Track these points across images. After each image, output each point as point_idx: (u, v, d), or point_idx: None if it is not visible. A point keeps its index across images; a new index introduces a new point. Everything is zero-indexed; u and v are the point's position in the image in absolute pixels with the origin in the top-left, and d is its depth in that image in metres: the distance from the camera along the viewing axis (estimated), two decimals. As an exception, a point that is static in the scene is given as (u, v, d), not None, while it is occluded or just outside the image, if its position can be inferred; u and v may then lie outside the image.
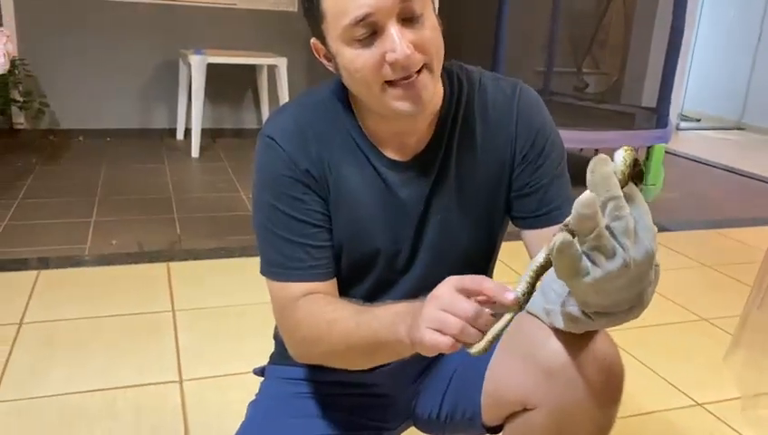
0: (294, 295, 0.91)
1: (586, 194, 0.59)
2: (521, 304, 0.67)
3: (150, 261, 2.52)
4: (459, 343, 0.67)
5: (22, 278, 2.32)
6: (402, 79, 0.82)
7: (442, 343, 0.67)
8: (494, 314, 0.68)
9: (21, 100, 4.25)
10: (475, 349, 0.68)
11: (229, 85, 4.73)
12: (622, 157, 0.62)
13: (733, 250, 3.09)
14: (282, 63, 4.29)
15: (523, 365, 0.83)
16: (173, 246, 2.70)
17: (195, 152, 4.17)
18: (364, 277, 0.98)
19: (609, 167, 0.60)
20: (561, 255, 0.62)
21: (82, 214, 3.01)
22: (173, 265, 2.49)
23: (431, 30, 0.82)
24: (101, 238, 2.73)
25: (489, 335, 0.67)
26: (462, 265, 0.96)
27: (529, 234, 0.97)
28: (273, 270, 0.93)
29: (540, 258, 0.66)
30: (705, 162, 5.01)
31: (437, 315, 0.68)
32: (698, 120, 6.74)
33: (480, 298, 0.68)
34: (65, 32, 4.35)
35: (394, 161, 0.94)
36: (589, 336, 0.79)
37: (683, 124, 6.47)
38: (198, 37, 4.52)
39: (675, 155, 5.04)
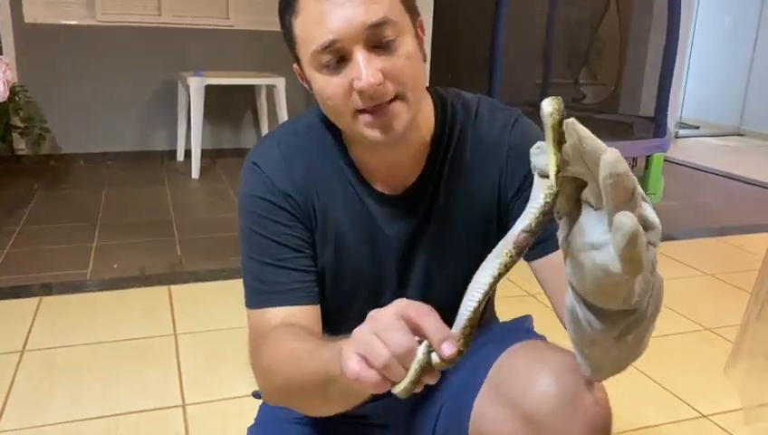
0: (270, 323, 0.86)
1: (610, 152, 0.47)
2: (456, 362, 0.57)
3: (152, 284, 2.52)
4: (386, 381, 0.57)
5: (24, 305, 2.32)
6: (374, 107, 0.79)
7: (365, 378, 0.57)
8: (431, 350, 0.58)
9: (21, 126, 4.27)
10: (396, 389, 0.58)
11: (228, 106, 4.75)
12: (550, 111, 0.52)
13: (735, 257, 3.08)
14: (280, 83, 4.31)
15: (506, 410, 0.79)
16: (174, 269, 2.70)
17: (195, 173, 4.18)
18: (349, 313, 0.92)
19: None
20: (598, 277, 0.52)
21: (84, 238, 3.02)
22: (174, 287, 2.49)
23: (405, 58, 0.79)
24: (103, 263, 2.73)
25: (408, 378, 0.57)
26: (454, 304, 0.94)
27: (537, 264, 0.89)
28: (252, 298, 0.90)
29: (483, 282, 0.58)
30: (704, 169, 5.00)
31: (369, 339, 0.57)
32: (697, 128, 6.74)
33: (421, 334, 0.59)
34: (64, 57, 4.38)
35: (382, 195, 0.91)
36: (579, 384, 0.73)
37: (682, 132, 6.47)
38: (197, 59, 4.55)
39: (674, 163, 5.04)
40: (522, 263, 0.93)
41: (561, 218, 0.55)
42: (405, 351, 0.56)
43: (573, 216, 0.53)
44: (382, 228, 0.91)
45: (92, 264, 2.72)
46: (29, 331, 2.13)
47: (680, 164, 5.10)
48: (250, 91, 4.74)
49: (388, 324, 0.58)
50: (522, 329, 1.04)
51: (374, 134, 0.81)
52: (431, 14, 4.30)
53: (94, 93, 4.51)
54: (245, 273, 0.91)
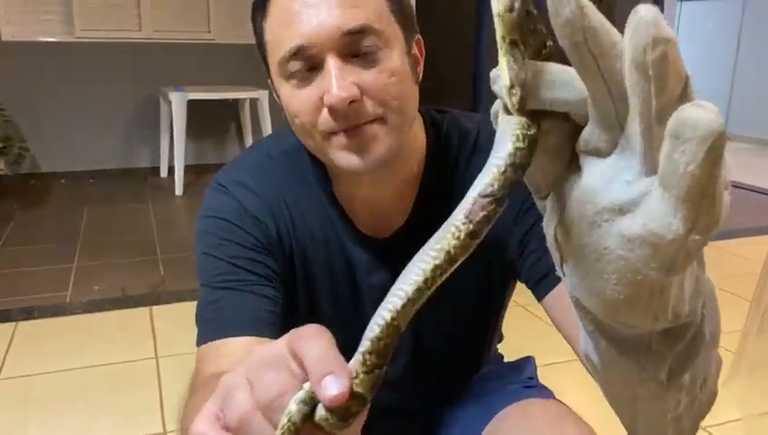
0: (220, 360, 0.70)
1: (646, 8, 0.27)
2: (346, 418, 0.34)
3: (133, 306, 2.45)
4: None
5: (0, 331, 2.23)
6: (348, 128, 0.67)
7: None
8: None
9: (0, 146, 4.19)
10: None
11: (211, 120, 4.69)
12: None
13: (729, 263, 3.05)
14: (263, 96, 4.26)
15: None
16: (157, 289, 2.63)
17: (178, 190, 4.11)
18: None
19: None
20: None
21: (64, 260, 2.94)
22: (156, 308, 2.42)
23: (389, 74, 0.67)
24: (84, 284, 2.66)
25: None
26: (450, 364, 0.86)
27: (548, 303, 0.76)
28: (204, 332, 0.74)
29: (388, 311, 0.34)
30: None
31: (234, 384, 0.36)
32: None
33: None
34: (43, 75, 4.31)
35: (366, 238, 0.79)
36: None
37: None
38: (179, 74, 4.49)
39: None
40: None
41: (544, 197, 0.35)
42: (273, 398, 0.33)
43: (566, 186, 0.33)
44: (365, 277, 0.81)
45: (72, 286, 2.65)
46: (4, 358, 2.05)
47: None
48: (233, 105, 4.68)
49: (264, 361, 0.35)
50: (520, 379, 0.94)
51: (348, 159, 0.68)
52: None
53: (75, 111, 4.43)
54: (198, 309, 0.77)
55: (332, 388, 0.32)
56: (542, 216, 0.37)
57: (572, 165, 0.32)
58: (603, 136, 0.30)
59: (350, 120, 0.66)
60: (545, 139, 0.32)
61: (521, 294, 0.86)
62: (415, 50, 0.74)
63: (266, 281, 0.76)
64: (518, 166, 0.31)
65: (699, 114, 0.25)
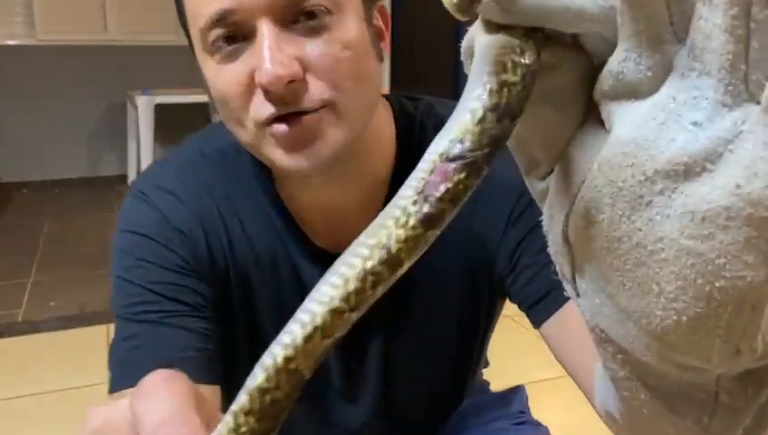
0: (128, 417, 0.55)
1: None
2: None
3: (91, 323, 2.29)
4: None
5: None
6: (288, 115, 0.53)
7: None
8: None
9: (-43, 154, 4.00)
10: None
11: (182, 125, 4.50)
12: None
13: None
14: (236, 100, 4.11)
15: None
16: (117, 305, 2.46)
17: (147, 198, 3.94)
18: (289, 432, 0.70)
19: None
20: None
21: (20, 274, 2.78)
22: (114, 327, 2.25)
23: (341, 46, 0.54)
24: (39, 301, 2.50)
25: None
26: (424, 410, 0.74)
27: (547, 330, 0.62)
28: (115, 376, 0.61)
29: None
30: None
31: None
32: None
33: None
34: (4, 79, 4.13)
35: (323, 254, 0.65)
36: None
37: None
38: (146, 77, 4.32)
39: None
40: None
41: (544, 177, 0.24)
42: None
43: (578, 156, 0.22)
44: None
45: (26, 302, 2.49)
46: (-59, 386, 1.88)
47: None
48: (204, 109, 4.51)
49: (103, 424, 0.25)
50: (508, 413, 0.82)
51: (288, 158, 0.55)
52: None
53: (38, 117, 4.25)
54: (110, 347, 0.63)
55: None
56: (539, 220, 0.25)
57: (588, 124, 0.21)
58: (646, 60, 0.19)
59: (290, 106, 0.53)
60: (545, 81, 0.21)
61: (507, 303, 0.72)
62: (378, 19, 0.60)
63: (194, 311, 0.61)
64: (505, 110, 0.19)
65: None
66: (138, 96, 3.89)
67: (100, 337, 2.18)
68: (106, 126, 4.42)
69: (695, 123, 0.18)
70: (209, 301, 0.63)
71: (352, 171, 0.62)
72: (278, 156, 0.55)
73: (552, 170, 0.23)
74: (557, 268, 0.25)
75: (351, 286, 0.20)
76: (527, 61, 0.20)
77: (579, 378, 0.57)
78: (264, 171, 0.65)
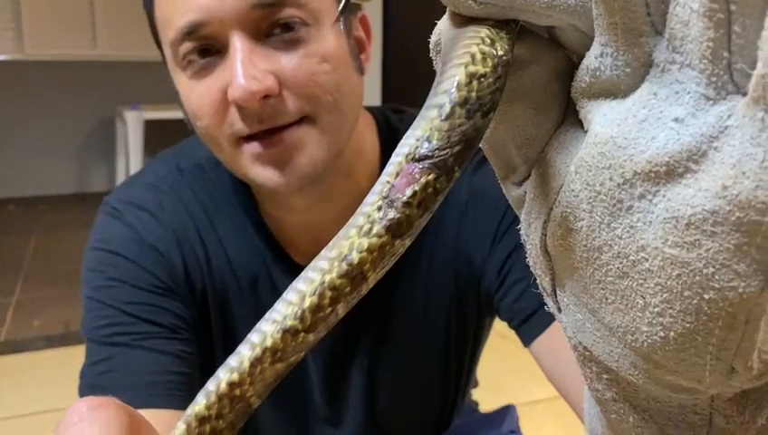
0: None
1: None
2: None
3: (74, 343, 2.22)
4: None
5: None
6: (264, 132, 0.52)
7: None
8: None
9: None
10: None
11: (172, 141, 4.46)
12: None
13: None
14: (226, 115, 4.08)
15: None
16: (102, 324, 2.41)
17: (135, 215, 3.90)
18: None
19: None
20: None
21: (3, 292, 2.72)
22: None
23: (319, 59, 0.51)
24: (23, 320, 2.44)
25: None
26: (415, 419, 0.71)
27: (536, 349, 0.59)
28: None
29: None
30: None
31: None
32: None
33: None
34: (-9, 95, 4.08)
35: (302, 270, 0.60)
36: None
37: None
38: (136, 93, 4.28)
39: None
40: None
41: (520, 183, 0.22)
42: None
43: (555, 158, 0.20)
44: None
45: (9, 322, 2.43)
46: None
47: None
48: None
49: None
50: (502, 432, 0.78)
51: (265, 174, 0.53)
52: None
53: (26, 132, 4.20)
54: (81, 371, 0.61)
55: None
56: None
57: (566, 124, 0.20)
58: (624, 55, 0.17)
59: (266, 122, 0.51)
60: (519, 77, 0.19)
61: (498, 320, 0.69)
62: (359, 30, 0.58)
63: (170, 332, 0.59)
64: (475, 105, 0.17)
65: None
66: (127, 111, 3.86)
67: (82, 358, 2.13)
68: (94, 141, 4.37)
69: (676, 120, 0.16)
70: (186, 322, 0.60)
71: (334, 187, 0.60)
72: (255, 173, 0.53)
73: (529, 175, 0.21)
74: (537, 281, 0.22)
75: (306, 304, 0.18)
76: (499, 52, 0.18)
77: (570, 398, 0.54)
78: (244, 186, 0.63)
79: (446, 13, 0.20)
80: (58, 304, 2.57)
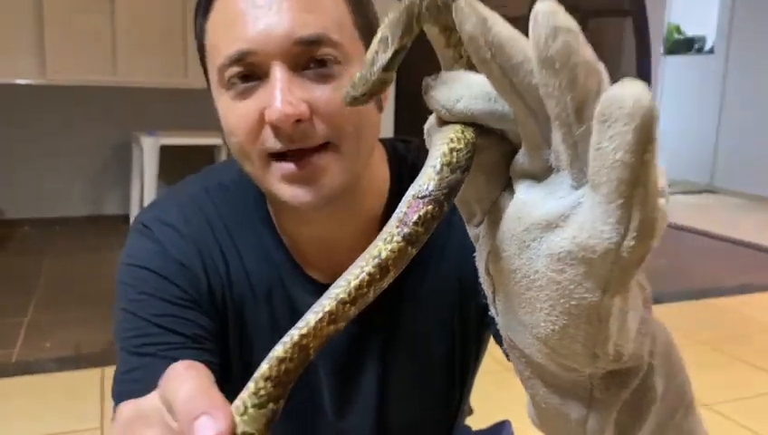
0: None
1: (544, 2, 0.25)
2: None
3: (84, 366, 2.25)
4: None
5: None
6: (292, 152, 0.57)
7: None
8: None
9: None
10: None
11: (186, 167, 4.50)
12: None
13: (721, 322, 2.91)
14: (241, 143, 4.13)
15: None
16: (112, 347, 2.41)
17: (148, 239, 3.93)
18: None
19: None
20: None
21: (16, 312, 2.74)
22: (108, 370, 2.20)
23: None
24: (34, 341, 2.46)
25: None
26: (414, 423, 0.74)
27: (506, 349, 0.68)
28: (117, 404, 0.64)
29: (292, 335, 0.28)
30: (681, 227, 4.90)
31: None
32: (669, 185, 6.71)
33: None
34: (12, 117, 4.16)
35: (317, 285, 0.68)
36: None
37: (653, 189, 6.44)
38: (153, 118, 4.36)
39: (649, 221, 4.95)
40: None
41: (478, 225, 0.32)
42: None
43: (500, 212, 0.30)
44: None
45: (21, 343, 2.45)
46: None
47: (655, 222, 5.00)
48: (209, 151, 4.54)
49: (135, 416, 0.31)
50: None
51: (291, 192, 0.59)
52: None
53: (44, 155, 4.27)
54: (114, 378, 0.66)
55: (207, 430, 0.25)
56: None
57: (509, 190, 0.30)
58: (534, 159, 0.28)
59: (296, 141, 0.57)
60: (480, 157, 0.30)
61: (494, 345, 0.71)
62: None
63: (194, 343, 0.64)
64: (455, 166, 0.29)
65: (625, 90, 0.23)
66: (143, 137, 3.92)
67: (93, 381, 2.14)
68: (110, 165, 4.44)
69: (559, 197, 0.27)
70: (209, 332, 0.66)
71: (350, 208, 0.65)
72: (280, 190, 0.59)
73: (483, 220, 0.32)
74: (486, 293, 0.33)
75: (353, 284, 0.28)
76: (468, 137, 0.29)
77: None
78: (264, 206, 0.69)
79: (434, 115, 0.31)
80: (68, 327, 2.59)
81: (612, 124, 0.23)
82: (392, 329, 0.69)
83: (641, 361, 0.30)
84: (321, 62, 0.57)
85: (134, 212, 4.36)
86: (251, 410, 0.27)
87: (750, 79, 6.18)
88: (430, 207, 0.28)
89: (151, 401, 0.29)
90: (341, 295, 0.27)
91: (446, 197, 0.28)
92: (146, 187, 3.93)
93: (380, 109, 0.65)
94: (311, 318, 0.27)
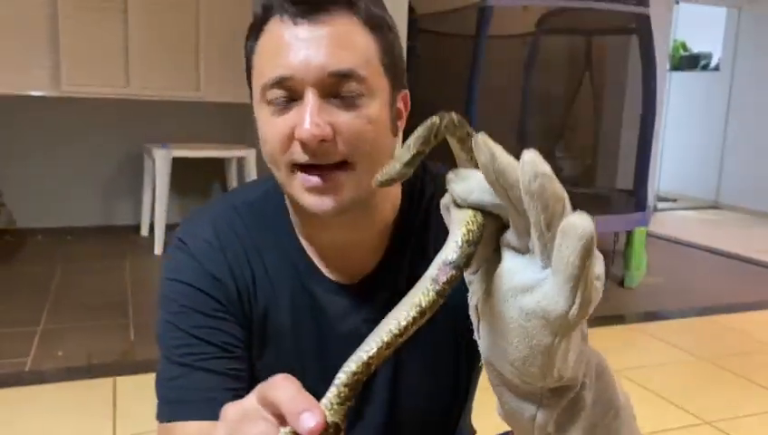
0: None
1: (529, 152, 0.38)
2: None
3: (97, 376, 2.29)
4: None
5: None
6: (315, 165, 0.66)
7: None
8: None
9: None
10: None
11: (196, 178, 4.60)
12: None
13: (727, 339, 2.93)
14: (251, 155, 4.19)
15: None
16: (125, 357, 2.46)
17: (158, 249, 3.97)
18: None
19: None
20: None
21: (29, 322, 2.77)
22: (120, 380, 2.25)
23: (365, 121, 0.67)
24: (47, 349, 2.49)
25: None
26: (427, 414, 0.80)
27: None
28: (163, 409, 0.75)
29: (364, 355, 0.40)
30: (686, 244, 4.92)
31: None
32: (675, 201, 6.73)
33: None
34: (26, 128, 4.23)
35: (336, 285, 0.77)
36: None
37: (660, 205, 6.45)
38: (165, 131, 4.42)
39: (654, 237, 4.96)
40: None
41: (474, 273, 0.44)
42: None
43: (490, 268, 0.43)
44: (334, 325, 0.78)
45: (35, 351, 2.48)
46: (-53, 434, 1.87)
47: (660, 238, 5.02)
48: (219, 163, 4.60)
49: (241, 417, 0.42)
50: None
51: (310, 200, 0.68)
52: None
53: (57, 165, 4.34)
54: (157, 379, 0.76)
55: (310, 421, 0.38)
56: None
57: (498, 250, 0.43)
58: (519, 240, 0.41)
59: (319, 158, 0.66)
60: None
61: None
62: (400, 103, 0.74)
63: (227, 353, 0.74)
64: (472, 242, 0.41)
65: (578, 220, 0.36)
66: (156, 149, 3.98)
67: (105, 390, 2.18)
68: (122, 176, 4.49)
69: (532, 271, 0.39)
70: (239, 340, 0.75)
71: (364, 217, 0.74)
72: (305, 198, 0.68)
73: (477, 271, 0.44)
74: (473, 326, 0.46)
75: (402, 324, 0.40)
76: (479, 219, 0.42)
77: None
78: (285, 217, 0.78)
79: (448, 196, 0.43)
80: (80, 335, 2.63)
81: (569, 239, 0.36)
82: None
83: (576, 380, 0.44)
84: (348, 94, 0.66)
85: (145, 222, 4.41)
86: (335, 407, 0.39)
87: (755, 96, 6.21)
88: (454, 272, 0.41)
89: (250, 402, 0.41)
90: (394, 331, 0.40)
91: (464, 264, 0.41)
92: (157, 197, 3.98)
93: (395, 133, 0.73)
94: (373, 345, 0.40)
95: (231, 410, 0.42)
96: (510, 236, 0.41)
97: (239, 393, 0.70)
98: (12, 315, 2.85)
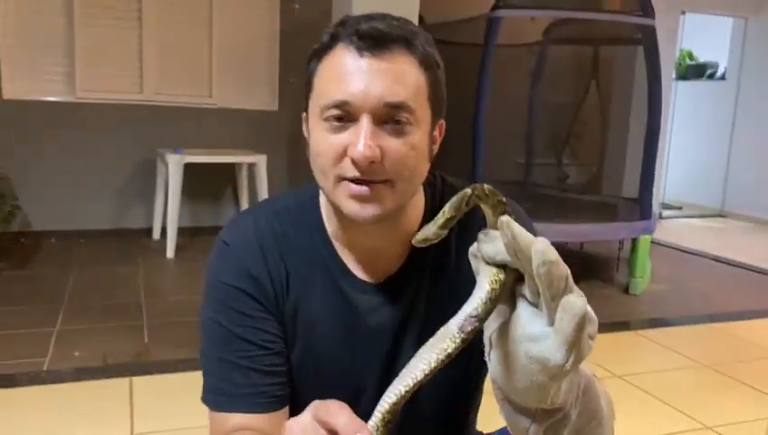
0: (224, 429, 0.81)
1: (540, 241, 0.49)
2: None
3: (112, 376, 2.34)
4: None
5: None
6: (360, 179, 0.74)
7: None
8: None
9: (-8, 202, 4.14)
10: None
11: (208, 183, 4.67)
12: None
13: (731, 346, 2.96)
14: (261, 161, 4.25)
15: None
16: (139, 358, 2.52)
17: (170, 253, 4.04)
18: None
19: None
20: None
21: (46, 323, 2.83)
22: (136, 379, 2.30)
23: (409, 148, 0.75)
24: (64, 350, 2.54)
25: None
26: (447, 406, 0.87)
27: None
28: (209, 397, 0.83)
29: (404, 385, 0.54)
30: (691, 251, 4.95)
31: None
32: (680, 208, 6.76)
33: None
34: (41, 133, 4.31)
35: (363, 283, 0.85)
36: None
37: (665, 213, 6.47)
38: (177, 136, 4.49)
39: (660, 244, 4.99)
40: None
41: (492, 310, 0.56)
42: None
43: (506, 309, 0.54)
44: (364, 320, 0.85)
45: (52, 351, 2.53)
46: (-30, 430, 1.93)
47: (666, 246, 5.05)
48: (230, 168, 4.67)
49: (302, 430, 0.56)
50: None
51: (352, 207, 0.76)
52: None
53: (71, 170, 4.41)
54: (204, 368, 0.85)
55: None
56: None
57: (513, 297, 0.55)
58: (532, 296, 0.52)
59: (365, 175, 0.74)
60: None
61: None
62: (436, 131, 0.82)
63: (265, 350, 0.82)
64: (494, 299, 0.53)
65: (575, 300, 0.48)
66: (169, 154, 4.04)
67: (122, 390, 2.23)
68: (134, 181, 4.56)
69: (540, 325, 0.51)
70: (277, 336, 0.83)
71: (394, 225, 0.82)
72: (345, 204, 0.76)
73: (492, 310, 0.54)
74: (485, 350, 0.57)
75: (432, 366, 0.52)
76: (502, 277, 0.53)
77: None
78: (320, 222, 0.86)
79: (475, 245, 0.55)
80: (96, 337, 2.68)
81: (567, 315, 0.48)
82: (427, 316, 0.85)
83: (566, 405, 0.57)
84: (398, 122, 0.74)
85: (157, 226, 4.48)
86: (381, 429, 0.52)
87: (762, 105, 6.24)
88: (477, 323, 0.53)
89: (306, 419, 0.55)
90: (426, 371, 0.52)
91: (486, 316, 0.53)
92: (170, 202, 4.04)
93: (431, 159, 0.82)
94: (409, 382, 0.53)
95: (292, 424, 0.56)
96: (525, 289, 0.52)
97: (276, 390, 0.81)
98: (29, 317, 2.91)
